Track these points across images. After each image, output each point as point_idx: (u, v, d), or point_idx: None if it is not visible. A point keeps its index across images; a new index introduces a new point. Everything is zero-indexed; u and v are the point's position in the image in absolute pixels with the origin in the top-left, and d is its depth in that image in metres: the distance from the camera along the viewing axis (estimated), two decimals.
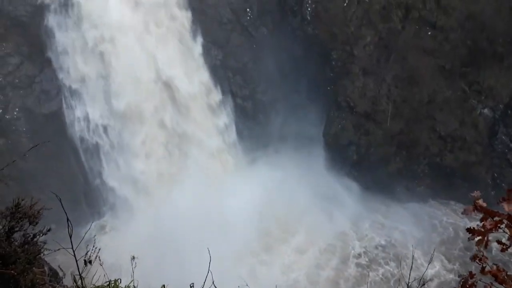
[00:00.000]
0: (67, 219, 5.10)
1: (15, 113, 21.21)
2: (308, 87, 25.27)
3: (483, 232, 3.77)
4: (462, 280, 4.00)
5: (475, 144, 23.10)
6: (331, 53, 24.46)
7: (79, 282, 4.91)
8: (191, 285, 4.93)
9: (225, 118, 25.02)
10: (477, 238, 3.84)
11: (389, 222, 23.30)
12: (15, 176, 19.10)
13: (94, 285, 5.23)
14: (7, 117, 21.07)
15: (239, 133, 25.52)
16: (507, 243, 3.79)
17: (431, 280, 19.82)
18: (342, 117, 24.30)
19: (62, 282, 5.89)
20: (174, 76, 23.09)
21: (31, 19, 21.42)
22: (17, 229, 5.28)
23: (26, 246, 5.22)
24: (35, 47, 21.81)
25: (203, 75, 24.15)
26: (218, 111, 24.79)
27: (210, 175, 23.38)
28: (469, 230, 3.86)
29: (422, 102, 23.38)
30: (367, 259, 21.42)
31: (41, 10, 21.41)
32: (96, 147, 22.66)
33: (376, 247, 21.95)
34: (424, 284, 5.90)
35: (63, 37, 21.55)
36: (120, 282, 5.24)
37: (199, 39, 23.95)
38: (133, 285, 5.31)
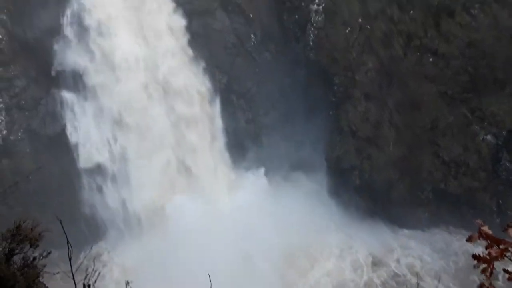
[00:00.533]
0: (67, 242, 5.05)
1: (19, 134, 21.35)
2: (311, 111, 25.41)
3: (489, 260, 3.71)
4: None
5: (479, 170, 22.96)
6: (333, 78, 24.71)
7: None
8: None
9: (226, 140, 25.17)
10: (482, 266, 3.77)
11: (398, 250, 22.93)
12: (18, 197, 19.05)
13: None
14: (12, 138, 21.21)
15: (241, 156, 25.53)
16: None
17: None
18: (344, 141, 24.33)
19: None
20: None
21: (39, 43, 21.86)
22: (17, 251, 5.23)
23: (26, 269, 5.16)
24: (42, 70, 22.17)
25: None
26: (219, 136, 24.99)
27: (211, 201, 23.17)
28: (474, 257, 3.80)
29: (425, 127, 23.42)
30: None
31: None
32: (99, 170, 22.71)
33: (389, 277, 21.54)
34: None
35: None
36: None
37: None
38: None
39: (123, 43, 22.19)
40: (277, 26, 26.09)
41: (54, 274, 5.47)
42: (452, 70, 22.98)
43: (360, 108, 23.99)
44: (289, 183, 25.12)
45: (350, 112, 24.15)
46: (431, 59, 23.17)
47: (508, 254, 3.69)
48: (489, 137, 22.98)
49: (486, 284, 3.87)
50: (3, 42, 21.09)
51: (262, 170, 25.04)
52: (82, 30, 21.92)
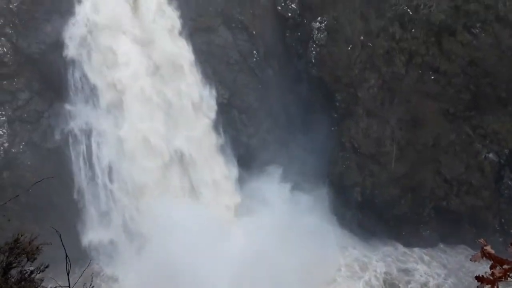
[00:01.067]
0: (66, 256, 5.01)
1: (21, 147, 21.38)
2: (312, 127, 25.46)
3: (492, 281, 3.65)
4: None
5: (482, 188, 22.82)
6: (335, 95, 24.82)
7: None
8: None
9: (229, 159, 25.12)
10: (486, 287, 3.71)
11: (402, 268, 22.63)
12: (17, 210, 18.99)
13: None
14: (13, 150, 21.23)
15: (243, 173, 25.48)
16: None
17: None
18: (346, 157, 24.30)
19: None
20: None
21: (43, 57, 22.07)
22: (14, 265, 5.18)
23: (23, 283, 5.10)
24: (46, 83, 22.33)
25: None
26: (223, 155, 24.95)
27: (213, 222, 22.91)
28: (478, 278, 3.74)
29: (427, 145, 23.39)
30: None
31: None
32: (99, 184, 22.64)
33: None
34: None
35: None
36: None
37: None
38: None
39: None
40: (279, 43, 26.36)
41: None
42: (454, 88, 23.06)
43: (362, 125, 24.02)
44: (291, 199, 24.95)
45: (352, 128, 24.19)
46: (432, 77, 23.28)
47: None
48: (491, 155, 22.92)
49: None
50: (8, 55, 21.32)
51: (265, 189, 24.90)
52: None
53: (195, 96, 24.04)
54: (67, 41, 21.84)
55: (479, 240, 3.85)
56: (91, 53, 21.98)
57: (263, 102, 26.30)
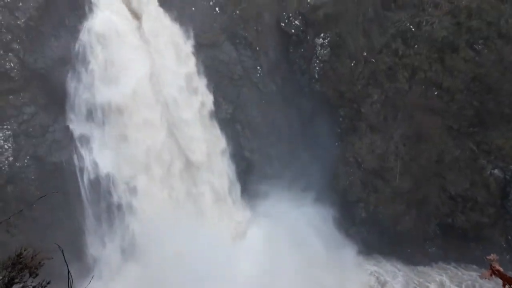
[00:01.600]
0: (68, 272, 4.97)
1: (25, 161, 21.43)
2: (316, 142, 25.45)
3: None
4: None
5: (487, 205, 22.59)
6: (339, 110, 24.87)
7: None
8: None
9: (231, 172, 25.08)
10: None
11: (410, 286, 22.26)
12: (20, 225, 18.91)
13: None
14: (18, 164, 21.27)
15: (246, 188, 25.38)
16: None
17: None
18: (350, 172, 24.19)
19: None
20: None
21: (49, 72, 22.29)
22: (17, 280, 5.13)
23: None
24: (51, 97, 22.51)
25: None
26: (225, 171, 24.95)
27: (217, 238, 22.71)
28: None
29: (431, 160, 23.28)
30: None
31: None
32: (103, 200, 22.60)
33: None
34: None
35: None
36: None
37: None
38: None
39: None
40: (283, 58, 26.56)
41: None
42: (457, 104, 23.07)
43: (365, 140, 23.99)
44: (294, 215, 24.77)
45: (355, 144, 24.15)
46: (436, 93, 23.32)
47: None
48: (496, 171, 22.76)
49: None
50: (15, 70, 21.54)
51: (268, 205, 24.76)
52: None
53: (201, 111, 24.20)
54: (72, 56, 22.10)
55: (488, 257, 3.79)
56: (95, 68, 22.19)
57: (266, 117, 26.37)
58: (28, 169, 21.38)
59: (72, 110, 22.53)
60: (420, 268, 23.20)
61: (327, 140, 25.20)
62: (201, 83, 24.37)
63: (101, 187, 22.47)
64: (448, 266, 23.21)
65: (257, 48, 26.07)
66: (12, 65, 21.52)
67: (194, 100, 24.04)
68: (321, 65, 25.34)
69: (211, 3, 25.27)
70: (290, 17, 26.12)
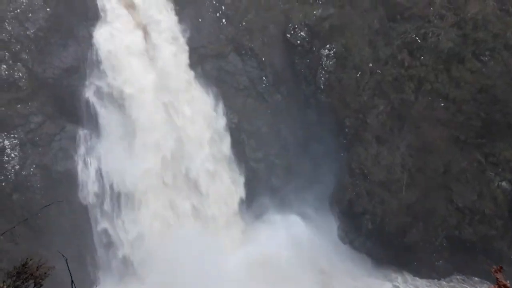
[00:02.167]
0: (72, 281, 4.93)
1: (31, 169, 21.53)
2: (321, 152, 25.36)
3: None
4: None
5: (495, 217, 22.26)
6: (344, 121, 24.81)
7: None
8: None
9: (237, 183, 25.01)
10: None
11: None
12: (25, 233, 18.92)
13: None
14: (24, 173, 21.37)
15: (251, 200, 25.29)
16: None
17: None
18: (356, 184, 24.02)
19: None
20: None
21: (57, 81, 22.52)
22: None
23: None
24: (59, 107, 22.69)
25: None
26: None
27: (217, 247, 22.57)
28: None
29: (438, 172, 23.05)
30: None
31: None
32: (108, 210, 22.61)
33: None
34: None
35: None
36: None
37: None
38: None
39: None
40: (288, 69, 26.66)
41: None
42: (464, 115, 22.92)
43: (371, 151, 23.85)
44: (299, 225, 24.59)
45: (361, 154, 24.02)
46: (442, 104, 23.20)
47: None
48: (504, 183, 22.48)
49: None
50: (23, 80, 21.78)
51: (272, 215, 24.61)
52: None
53: (206, 123, 24.27)
54: (81, 66, 22.34)
55: (492, 267, 3.71)
56: (102, 79, 22.38)
57: (272, 127, 26.39)
58: (34, 178, 21.47)
59: (79, 119, 22.69)
60: (427, 281, 22.84)
61: (333, 150, 25.12)
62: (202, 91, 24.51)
63: (106, 197, 22.49)
64: (455, 279, 22.84)
65: (263, 59, 26.22)
66: (20, 74, 21.76)
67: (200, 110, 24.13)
68: (327, 75, 25.38)
69: (217, 14, 25.51)
70: (295, 28, 26.27)
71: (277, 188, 25.94)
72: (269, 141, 26.34)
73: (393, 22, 25.07)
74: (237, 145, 25.56)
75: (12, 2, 21.49)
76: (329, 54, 25.48)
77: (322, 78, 25.57)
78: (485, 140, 22.76)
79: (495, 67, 22.47)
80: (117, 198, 22.63)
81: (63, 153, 22.49)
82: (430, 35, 23.76)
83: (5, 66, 21.27)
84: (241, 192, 25.17)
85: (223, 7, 25.63)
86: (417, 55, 23.82)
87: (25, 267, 5.08)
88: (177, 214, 23.32)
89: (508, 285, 3.75)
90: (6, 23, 21.34)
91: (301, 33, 26.18)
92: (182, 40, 24.07)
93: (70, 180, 22.31)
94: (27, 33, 21.80)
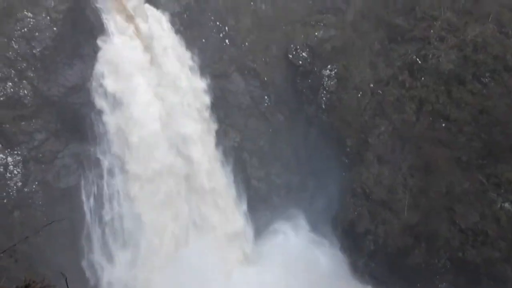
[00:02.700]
0: None
1: (34, 186, 21.60)
2: (322, 172, 25.33)
3: None
4: None
5: (499, 239, 21.99)
6: (346, 140, 24.87)
7: None
8: None
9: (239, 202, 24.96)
10: None
11: None
12: (25, 251, 18.81)
13: None
14: (26, 190, 21.43)
15: (254, 217, 25.18)
16: None
17: None
18: (358, 203, 23.90)
19: None
20: None
21: (62, 99, 22.78)
22: None
23: None
24: (62, 124, 22.88)
25: None
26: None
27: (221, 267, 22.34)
28: None
29: (440, 192, 22.92)
30: None
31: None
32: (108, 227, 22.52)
33: None
34: None
35: None
36: None
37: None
38: None
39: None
40: (290, 89, 26.93)
41: None
42: (465, 136, 22.93)
43: (373, 171, 23.82)
44: (300, 245, 24.39)
45: (363, 174, 23.98)
46: (443, 124, 23.26)
47: None
48: (507, 204, 22.30)
49: None
50: (28, 97, 22.06)
51: (274, 234, 24.44)
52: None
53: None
54: (86, 85, 22.60)
55: None
56: (106, 97, 22.58)
57: (274, 146, 26.49)
58: (36, 195, 21.52)
59: (82, 137, 22.82)
60: None
61: (334, 170, 25.09)
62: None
63: (106, 215, 22.42)
64: None
65: (265, 79, 26.53)
66: (25, 92, 22.05)
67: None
68: (328, 96, 25.59)
69: (221, 35, 25.95)
70: (297, 49, 26.64)
71: (278, 206, 25.84)
72: (270, 160, 26.39)
73: (394, 44, 25.39)
74: (239, 163, 25.61)
75: (19, 21, 21.94)
76: (331, 74, 25.76)
77: (324, 98, 25.78)
78: (486, 161, 22.70)
79: (496, 88, 22.61)
80: (119, 215, 22.57)
81: (65, 170, 22.58)
82: (430, 56, 24.03)
83: (10, 83, 21.58)
84: (243, 210, 25.09)
85: (226, 28, 26.09)
86: (418, 76, 24.03)
87: None
88: (180, 231, 23.20)
89: None
90: (13, 42, 21.76)
91: (303, 53, 26.54)
92: (189, 62, 24.33)
93: (72, 197, 22.32)
94: (34, 51, 22.18)
